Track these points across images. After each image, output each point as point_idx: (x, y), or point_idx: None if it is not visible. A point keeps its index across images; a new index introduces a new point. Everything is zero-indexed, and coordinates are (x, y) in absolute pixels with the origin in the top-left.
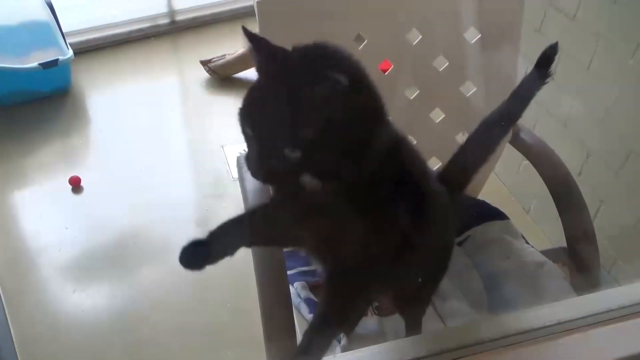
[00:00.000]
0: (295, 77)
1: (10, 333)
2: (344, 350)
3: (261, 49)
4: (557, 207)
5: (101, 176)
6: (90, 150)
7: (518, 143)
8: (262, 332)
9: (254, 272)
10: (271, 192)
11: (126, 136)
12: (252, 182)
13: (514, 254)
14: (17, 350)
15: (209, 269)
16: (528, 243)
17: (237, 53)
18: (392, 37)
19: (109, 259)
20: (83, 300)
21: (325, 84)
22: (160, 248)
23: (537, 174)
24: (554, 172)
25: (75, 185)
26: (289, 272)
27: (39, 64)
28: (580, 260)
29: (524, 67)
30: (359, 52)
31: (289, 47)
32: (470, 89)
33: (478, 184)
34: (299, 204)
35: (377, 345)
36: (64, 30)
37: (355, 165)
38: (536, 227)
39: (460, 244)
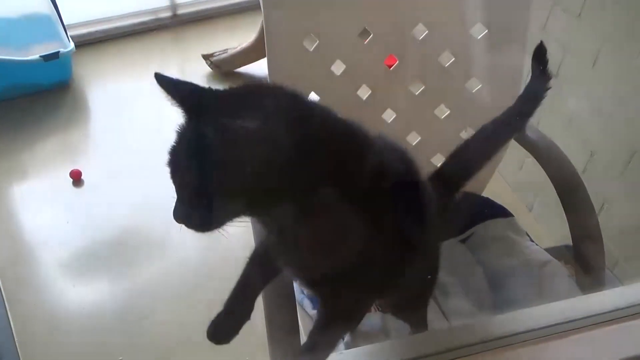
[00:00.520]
0: (200, 125)
1: (11, 328)
2: (347, 346)
3: (178, 93)
4: (563, 205)
5: (102, 170)
6: (91, 144)
7: (524, 140)
8: (264, 329)
9: None
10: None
11: (127, 130)
12: None
13: (518, 252)
14: (17, 345)
15: (210, 264)
16: (532, 241)
17: (240, 47)
18: (398, 31)
19: (109, 253)
20: (83, 295)
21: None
22: (161, 243)
23: (540, 171)
24: (560, 169)
25: (76, 178)
26: None
27: (40, 57)
28: (585, 259)
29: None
30: (365, 46)
31: (294, 40)
32: (475, 86)
33: (483, 181)
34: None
35: (381, 343)
36: (65, 23)
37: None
38: (538, 225)
39: (463, 241)
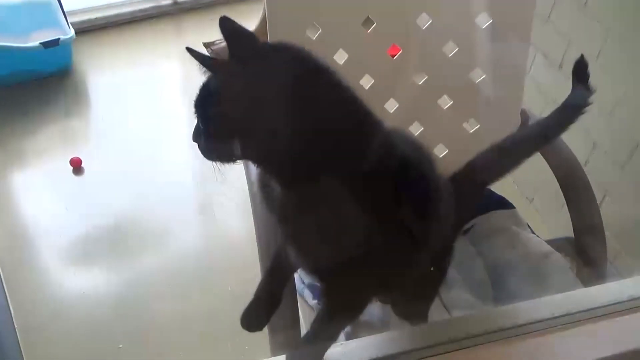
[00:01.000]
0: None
1: (11, 315)
2: (348, 337)
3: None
4: (564, 197)
5: (102, 158)
6: (91, 132)
7: None
8: None
9: (257, 259)
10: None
11: (127, 118)
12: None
13: (520, 244)
14: (18, 332)
15: (210, 252)
16: (534, 233)
17: None
18: (401, 21)
19: (109, 241)
20: (84, 283)
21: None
22: (162, 231)
23: (541, 163)
24: (562, 161)
25: (76, 166)
26: None
27: (40, 43)
28: (586, 252)
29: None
30: (368, 35)
31: (297, 29)
32: (479, 76)
33: None
34: (277, 212)
35: (382, 334)
36: (65, 10)
37: (313, 157)
38: (539, 217)
39: (465, 233)
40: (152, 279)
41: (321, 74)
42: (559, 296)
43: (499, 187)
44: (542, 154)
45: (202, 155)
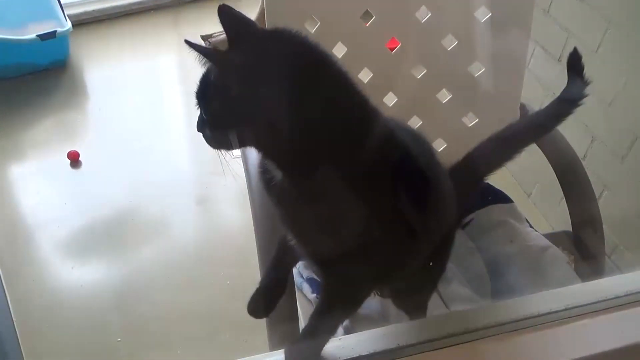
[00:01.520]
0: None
1: (9, 309)
2: (346, 330)
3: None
4: (563, 191)
5: (100, 151)
6: (89, 125)
7: None
8: None
9: (256, 252)
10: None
11: (125, 111)
12: (254, 162)
13: (518, 238)
14: (15, 325)
15: (208, 245)
16: (532, 227)
17: None
18: (400, 14)
19: (108, 234)
20: (82, 276)
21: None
22: (160, 224)
23: (540, 157)
24: (561, 155)
25: (74, 159)
26: None
27: (37, 36)
28: (585, 246)
29: (532, 48)
30: (367, 28)
31: (295, 22)
32: (478, 70)
33: None
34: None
35: (380, 328)
36: (62, 2)
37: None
38: (537, 211)
39: (463, 227)
40: (150, 271)
41: (321, 60)
42: (557, 291)
43: (497, 181)
44: (541, 148)
45: (204, 147)
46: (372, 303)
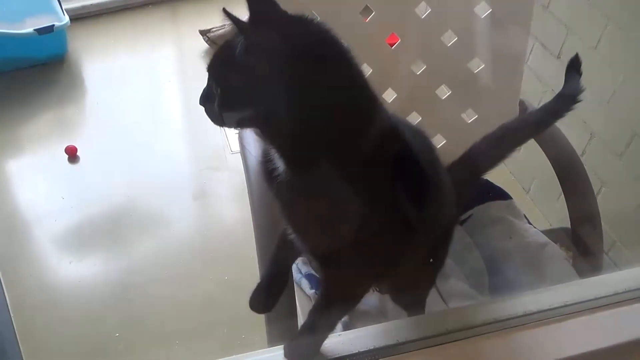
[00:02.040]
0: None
1: (7, 303)
2: (345, 326)
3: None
4: (562, 187)
5: (98, 146)
6: (87, 120)
7: None
8: None
9: (254, 247)
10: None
11: (123, 106)
12: (253, 157)
13: (517, 234)
14: (13, 320)
15: (206, 240)
16: (530, 223)
17: None
18: (400, 9)
19: (105, 229)
20: (79, 271)
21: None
22: (158, 219)
23: (538, 154)
24: (560, 151)
25: (72, 154)
26: None
27: (35, 30)
28: (583, 242)
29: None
30: (366, 24)
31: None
32: (478, 66)
33: None
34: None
35: (379, 324)
36: None
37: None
38: (536, 207)
39: (462, 223)
40: (148, 266)
41: (344, 53)
42: (555, 287)
43: (496, 178)
44: (540, 145)
45: (202, 141)
46: (371, 299)
